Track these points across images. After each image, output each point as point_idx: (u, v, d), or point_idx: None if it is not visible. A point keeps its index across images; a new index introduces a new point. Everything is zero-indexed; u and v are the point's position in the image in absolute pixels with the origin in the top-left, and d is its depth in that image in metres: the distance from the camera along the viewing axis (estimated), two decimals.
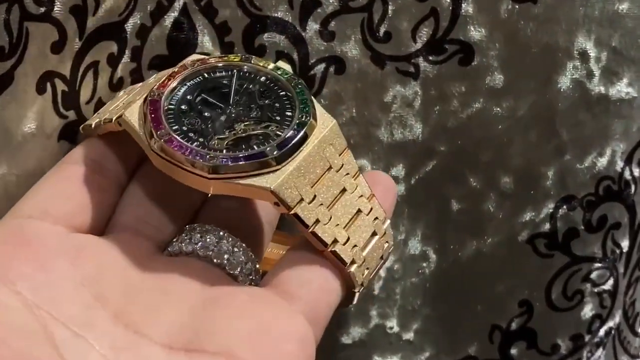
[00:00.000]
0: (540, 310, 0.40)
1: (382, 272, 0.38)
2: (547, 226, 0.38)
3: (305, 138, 0.28)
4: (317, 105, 0.29)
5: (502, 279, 0.39)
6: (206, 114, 0.29)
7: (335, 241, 0.28)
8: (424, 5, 0.33)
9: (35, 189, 0.29)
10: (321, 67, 0.34)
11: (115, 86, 0.33)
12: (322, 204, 0.28)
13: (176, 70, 0.30)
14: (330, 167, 0.29)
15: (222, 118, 0.29)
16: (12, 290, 0.26)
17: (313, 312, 0.28)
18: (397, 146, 0.36)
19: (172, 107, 0.29)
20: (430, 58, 0.34)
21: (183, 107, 0.29)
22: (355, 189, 0.29)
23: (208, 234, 0.29)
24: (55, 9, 0.29)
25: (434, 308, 0.39)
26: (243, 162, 0.27)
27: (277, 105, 0.29)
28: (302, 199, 0.28)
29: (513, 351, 0.40)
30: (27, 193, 0.29)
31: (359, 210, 0.29)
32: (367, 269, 0.29)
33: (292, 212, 0.27)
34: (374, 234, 0.30)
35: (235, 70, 0.30)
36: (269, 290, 0.28)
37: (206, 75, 0.30)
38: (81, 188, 0.29)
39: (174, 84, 0.29)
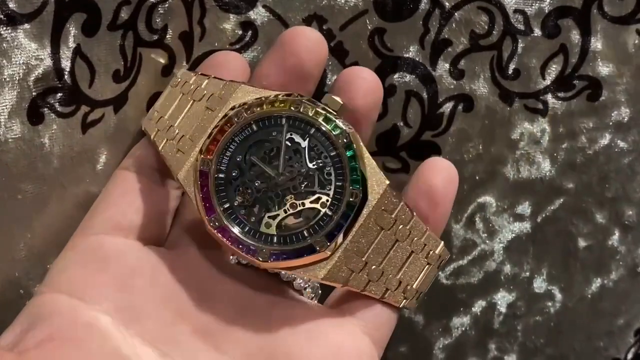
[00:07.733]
0: None
1: (503, 309, 0.38)
2: None
3: (355, 219, 0.27)
4: (369, 164, 0.28)
5: (623, 312, 0.38)
6: (257, 183, 0.28)
7: (386, 290, 0.29)
8: (554, 42, 0.33)
9: (103, 201, 0.29)
10: (450, 105, 0.34)
11: None
12: (374, 266, 0.28)
13: (223, 126, 0.28)
14: (382, 229, 0.28)
15: (272, 192, 0.28)
16: (99, 311, 0.27)
17: (377, 333, 0.29)
18: (524, 184, 0.35)
19: (223, 176, 0.28)
20: (559, 94, 0.34)
21: (234, 173, 0.28)
22: (408, 235, 0.28)
23: None
24: (167, 36, 0.30)
25: (557, 347, 0.38)
26: (294, 259, 0.27)
27: (327, 169, 0.28)
28: (352, 272, 0.28)
29: None
30: (94, 206, 0.29)
31: (412, 252, 0.29)
32: (420, 293, 0.30)
33: (343, 286, 0.28)
34: (427, 264, 0.30)
35: (284, 121, 0.28)
36: (335, 311, 0.29)
37: (255, 127, 0.28)
38: (147, 199, 0.29)
39: (221, 145, 0.28)
